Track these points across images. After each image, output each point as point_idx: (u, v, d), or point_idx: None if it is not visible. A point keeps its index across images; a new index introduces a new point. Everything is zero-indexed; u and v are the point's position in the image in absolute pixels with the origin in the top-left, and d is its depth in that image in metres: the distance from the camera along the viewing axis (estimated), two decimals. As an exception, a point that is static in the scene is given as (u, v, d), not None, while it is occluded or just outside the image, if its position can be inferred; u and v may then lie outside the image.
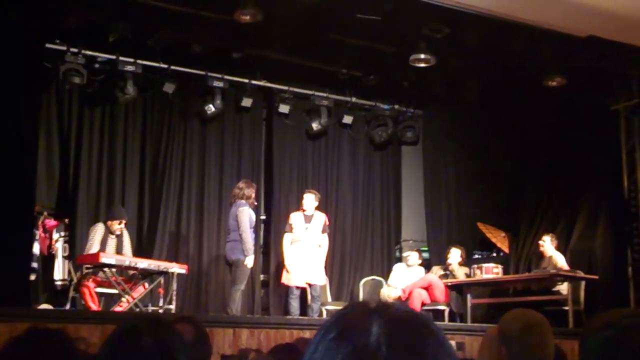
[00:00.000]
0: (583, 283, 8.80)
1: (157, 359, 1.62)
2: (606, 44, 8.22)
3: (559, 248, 9.40)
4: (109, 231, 8.16)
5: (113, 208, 8.78)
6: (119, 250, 8.15)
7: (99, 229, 8.16)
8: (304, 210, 8.93)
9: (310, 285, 8.72)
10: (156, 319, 1.77)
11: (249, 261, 8.16)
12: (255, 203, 8.58)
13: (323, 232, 8.93)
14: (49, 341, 1.90)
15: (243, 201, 8.27)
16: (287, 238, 8.83)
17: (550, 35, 8.26)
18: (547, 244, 9.16)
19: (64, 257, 8.50)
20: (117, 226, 8.21)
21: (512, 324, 2.57)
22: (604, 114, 9.61)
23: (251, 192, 8.39)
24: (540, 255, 9.27)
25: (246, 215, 8.20)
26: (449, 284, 9.31)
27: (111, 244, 8.14)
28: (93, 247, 8.00)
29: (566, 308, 8.34)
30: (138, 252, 8.92)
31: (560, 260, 9.02)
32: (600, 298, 8.86)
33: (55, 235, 8.50)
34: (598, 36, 8.10)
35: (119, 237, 8.24)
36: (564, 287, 8.74)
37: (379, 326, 0.99)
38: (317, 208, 9.03)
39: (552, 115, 10.05)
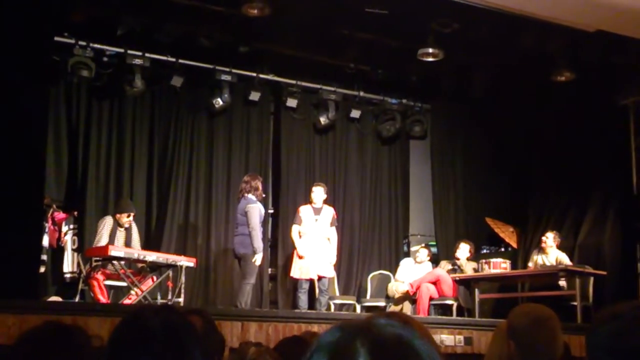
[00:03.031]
0: (591, 279, 8.79)
1: (163, 341, 1.62)
2: (615, 39, 8.19)
3: (566, 244, 9.39)
4: (117, 224, 8.19)
5: (121, 201, 8.81)
6: (127, 243, 8.17)
7: (107, 222, 8.18)
8: (312, 203, 8.93)
9: (318, 278, 8.74)
10: (166, 306, 1.78)
11: (258, 258, 8.14)
12: (264, 195, 8.58)
13: (331, 225, 8.94)
14: (66, 338, 1.91)
15: (252, 197, 8.26)
16: (295, 230, 8.84)
17: (559, 30, 8.23)
18: (550, 241, 9.15)
19: (73, 250, 8.55)
20: (126, 219, 8.24)
21: (522, 318, 2.57)
22: (613, 109, 9.58)
23: (257, 183, 8.38)
24: (542, 251, 9.25)
25: (256, 212, 8.19)
26: (457, 278, 9.31)
27: (120, 236, 8.17)
28: (102, 240, 8.03)
29: (574, 303, 8.33)
30: (146, 245, 8.95)
31: (565, 259, 9.03)
32: (608, 294, 8.85)
33: (64, 228, 8.54)
34: (607, 31, 8.07)
35: (128, 230, 8.27)
36: (565, 283, 8.79)
37: (364, 351, 1.03)
38: (325, 201, 9.04)
39: (561, 111, 10.02)
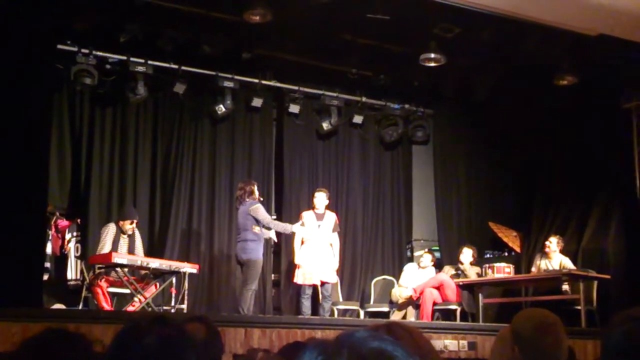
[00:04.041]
0: (595, 283, 8.77)
1: (160, 356, 1.62)
2: (618, 43, 8.18)
3: (570, 248, 9.36)
4: (120, 231, 8.19)
5: (124, 208, 8.81)
6: (130, 250, 8.18)
7: (110, 229, 8.18)
8: (315, 209, 8.93)
9: (321, 284, 8.73)
10: (161, 317, 1.77)
11: (297, 229, 8.50)
12: (261, 198, 8.59)
13: (334, 230, 8.94)
14: (67, 344, 1.91)
15: (250, 200, 8.29)
16: (298, 236, 8.84)
17: (561, 34, 8.23)
18: (554, 245, 9.13)
19: (77, 257, 8.55)
20: (129, 226, 8.24)
21: (526, 323, 2.56)
22: (616, 113, 9.56)
23: (253, 188, 8.39)
24: (546, 256, 9.23)
25: (262, 209, 8.27)
26: (461, 283, 9.29)
27: (123, 243, 8.17)
28: (105, 247, 8.03)
29: (578, 308, 8.31)
30: (149, 251, 8.95)
31: (569, 263, 9.01)
32: (612, 297, 8.82)
33: (67, 236, 8.55)
34: (609, 35, 8.07)
35: (131, 237, 8.27)
36: (569, 287, 8.77)
37: None
38: (328, 207, 9.03)
39: (563, 115, 10.01)
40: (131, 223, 8.28)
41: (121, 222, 8.25)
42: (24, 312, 5.80)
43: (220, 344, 3.01)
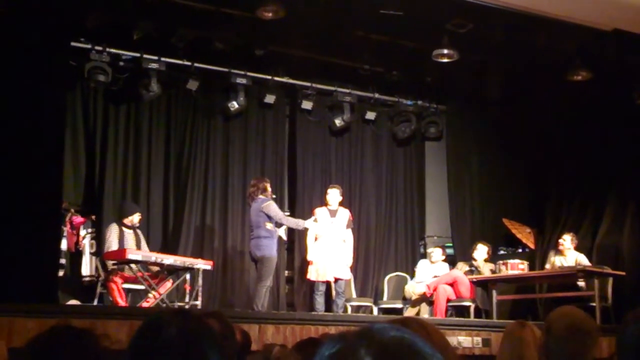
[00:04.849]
0: (610, 279, 8.72)
1: (181, 349, 1.63)
2: (632, 38, 8.13)
3: (584, 244, 9.31)
4: (123, 227, 8.15)
5: (125, 205, 8.67)
6: (137, 245, 8.18)
7: (113, 228, 8.13)
8: (328, 205, 8.93)
9: (335, 280, 8.73)
10: (183, 310, 1.77)
11: (309, 224, 8.57)
12: (274, 195, 8.60)
13: (347, 227, 8.93)
14: (73, 339, 1.92)
15: (263, 197, 8.30)
16: (311, 232, 8.85)
17: (575, 29, 8.18)
18: (567, 243, 9.09)
19: (91, 254, 8.59)
20: (137, 218, 8.26)
21: (560, 320, 2.55)
22: (630, 109, 9.50)
23: (265, 185, 8.41)
24: (560, 253, 9.18)
25: (274, 206, 8.30)
26: (474, 280, 9.26)
27: (130, 239, 8.14)
28: (112, 246, 7.97)
29: (593, 304, 8.27)
30: (163, 248, 8.98)
31: (584, 260, 8.95)
32: (627, 294, 8.77)
33: (82, 232, 8.59)
34: (624, 29, 8.01)
35: (135, 232, 8.26)
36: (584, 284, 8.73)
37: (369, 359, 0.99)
38: (341, 203, 9.03)
39: (577, 110, 9.96)
40: (138, 215, 8.30)
41: (129, 218, 8.21)
42: (40, 308, 5.85)
43: (235, 339, 3.02)
